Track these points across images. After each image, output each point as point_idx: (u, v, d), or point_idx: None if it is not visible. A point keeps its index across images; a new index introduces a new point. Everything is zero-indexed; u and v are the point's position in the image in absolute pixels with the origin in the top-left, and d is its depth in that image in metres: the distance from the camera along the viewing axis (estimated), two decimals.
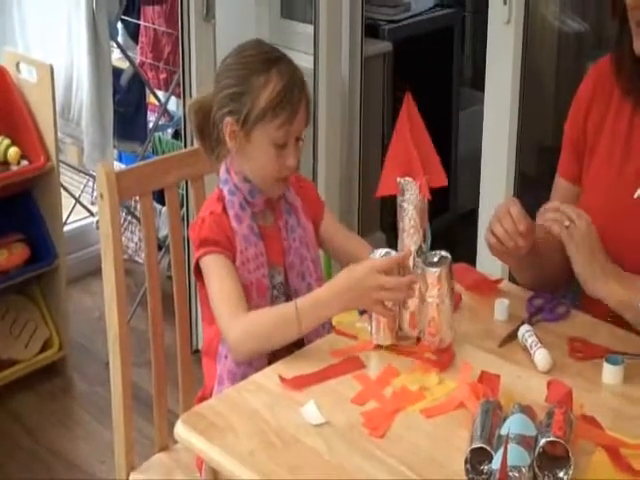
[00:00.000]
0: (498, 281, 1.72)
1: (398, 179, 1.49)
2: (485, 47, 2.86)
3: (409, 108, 1.49)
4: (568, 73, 3.54)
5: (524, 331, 1.53)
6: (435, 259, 1.49)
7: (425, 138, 1.51)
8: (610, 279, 1.49)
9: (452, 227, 3.64)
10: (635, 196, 1.61)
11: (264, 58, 1.62)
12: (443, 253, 1.50)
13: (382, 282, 1.48)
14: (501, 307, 1.61)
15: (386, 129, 3.53)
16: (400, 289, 1.49)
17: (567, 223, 1.49)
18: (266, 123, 1.59)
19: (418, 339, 1.53)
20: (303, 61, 3.19)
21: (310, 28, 3.15)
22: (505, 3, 2.75)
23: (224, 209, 1.64)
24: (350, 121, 3.25)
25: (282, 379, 1.45)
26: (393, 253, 1.51)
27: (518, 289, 1.73)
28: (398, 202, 1.50)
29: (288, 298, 1.66)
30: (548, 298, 1.65)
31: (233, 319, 1.55)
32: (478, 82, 3.21)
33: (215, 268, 1.60)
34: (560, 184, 1.78)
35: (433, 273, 1.47)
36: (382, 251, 1.51)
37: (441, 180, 1.51)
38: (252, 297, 1.62)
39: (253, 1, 3.33)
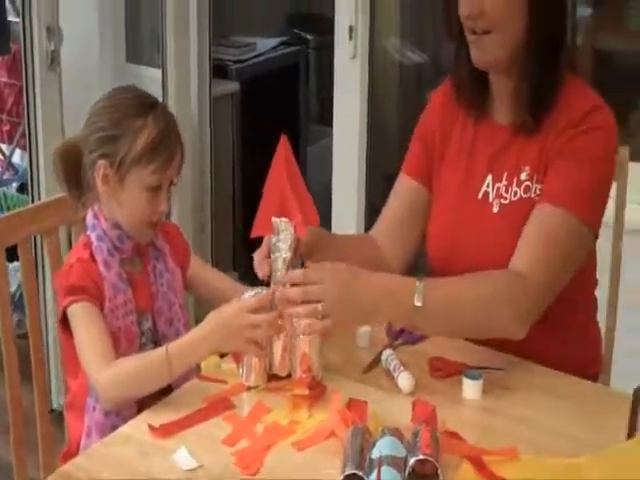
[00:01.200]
0: None
1: (273, 219, 1.51)
2: (330, 83, 2.95)
3: (284, 149, 1.52)
4: (410, 102, 3.67)
5: (386, 356, 1.58)
6: None
7: (298, 178, 1.54)
8: (380, 308, 1.48)
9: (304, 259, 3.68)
10: (479, 197, 1.69)
11: (140, 103, 1.62)
12: None
13: (253, 320, 1.48)
14: (363, 334, 1.65)
15: (236, 168, 3.57)
16: (271, 325, 1.49)
17: (320, 310, 1.45)
18: (141, 168, 1.59)
19: (288, 377, 1.54)
20: None
21: (157, 72, 3.17)
22: (351, 38, 2.85)
23: (91, 255, 1.62)
24: (201, 161, 3.28)
25: (151, 428, 1.44)
26: (264, 292, 1.51)
27: None
28: (272, 242, 1.51)
29: (156, 344, 1.65)
30: None
31: (102, 366, 1.53)
32: (325, 117, 3.29)
33: (82, 316, 1.57)
34: (405, 182, 1.81)
35: None
36: (252, 292, 1.52)
37: (314, 220, 1.54)
38: (121, 344, 1.60)
39: (97, 48, 3.32)
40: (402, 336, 1.67)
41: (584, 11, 3.34)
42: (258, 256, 1.55)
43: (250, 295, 1.51)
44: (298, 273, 1.47)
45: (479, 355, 1.61)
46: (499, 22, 1.59)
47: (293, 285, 1.46)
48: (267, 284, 1.53)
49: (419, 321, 1.49)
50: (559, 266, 1.57)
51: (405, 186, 1.81)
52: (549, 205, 1.58)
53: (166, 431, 1.43)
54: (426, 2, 3.83)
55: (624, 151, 1.92)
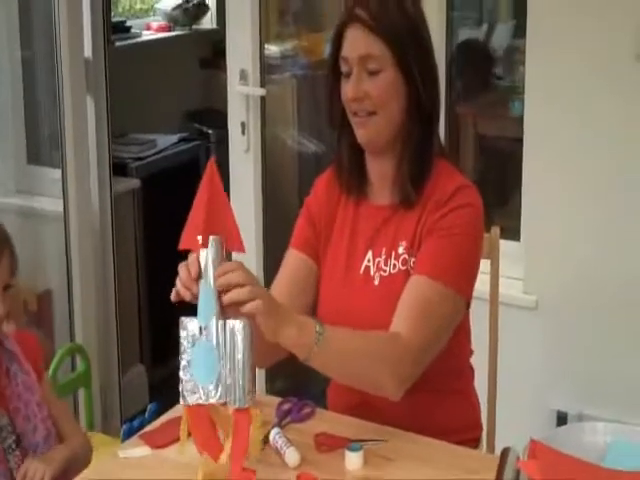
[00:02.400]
0: None
1: (199, 236, 1.48)
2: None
3: (212, 174, 1.50)
4: (308, 190, 3.80)
5: (274, 434, 1.65)
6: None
7: (225, 204, 1.52)
8: (290, 322, 1.54)
9: None
10: (361, 272, 1.81)
11: None
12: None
13: None
14: (253, 415, 1.73)
15: (140, 263, 3.63)
16: None
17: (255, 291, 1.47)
18: None
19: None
20: (54, 205, 3.27)
21: (58, 172, 3.23)
22: (243, 133, 2.97)
23: None
24: (104, 259, 3.32)
25: None
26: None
27: (269, 398, 1.87)
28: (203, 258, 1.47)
29: (17, 438, 1.73)
30: (295, 402, 1.79)
31: None
32: None
33: None
34: (293, 255, 1.88)
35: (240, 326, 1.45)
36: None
37: (239, 247, 1.52)
38: None
39: None
40: (290, 415, 1.76)
41: (469, 96, 3.55)
42: (184, 278, 1.49)
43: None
44: (234, 262, 1.48)
45: (363, 429, 1.70)
46: (382, 103, 1.73)
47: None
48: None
49: (315, 354, 1.55)
50: (434, 331, 1.70)
51: (293, 259, 1.89)
52: (423, 277, 1.71)
53: None
54: (321, 94, 4.01)
55: (495, 230, 2.07)
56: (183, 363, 1.46)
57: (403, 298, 1.71)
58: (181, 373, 1.46)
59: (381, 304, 1.76)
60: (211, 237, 1.48)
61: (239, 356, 1.44)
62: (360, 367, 1.63)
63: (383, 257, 1.80)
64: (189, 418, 1.47)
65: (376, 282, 1.79)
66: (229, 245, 1.50)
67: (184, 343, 1.46)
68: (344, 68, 1.76)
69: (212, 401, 1.45)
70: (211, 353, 1.44)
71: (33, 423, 1.75)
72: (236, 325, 1.45)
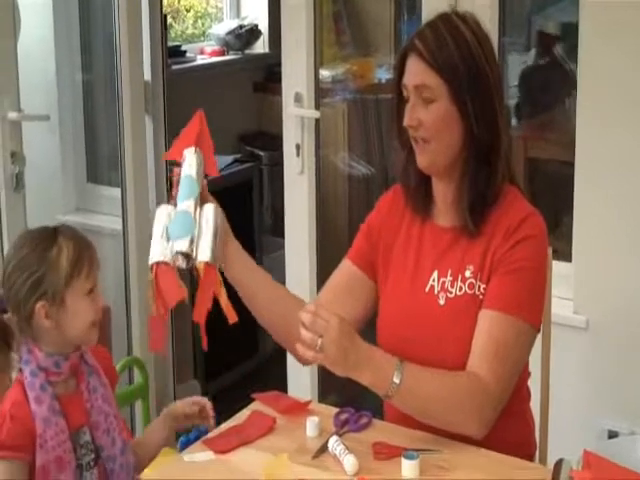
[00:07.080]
0: (308, 403, 1.90)
1: (184, 150, 1.74)
2: (282, 197, 3.12)
3: (201, 117, 1.78)
4: (359, 212, 3.87)
5: (333, 442, 1.70)
6: None
7: (208, 140, 1.77)
8: (363, 369, 1.65)
9: (261, 367, 3.77)
10: (426, 290, 1.84)
11: (45, 235, 1.74)
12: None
13: None
14: (312, 424, 1.78)
15: (195, 280, 3.69)
16: None
17: (319, 344, 1.61)
18: (74, 282, 1.70)
19: None
20: (112, 223, 3.36)
21: (117, 191, 3.31)
22: (298, 155, 3.03)
23: (24, 392, 1.69)
24: None
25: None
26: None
27: (326, 408, 1.92)
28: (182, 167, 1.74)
29: (97, 454, 1.75)
30: (352, 412, 1.84)
31: None
32: (278, 229, 3.45)
33: (5, 476, 1.64)
34: (347, 266, 1.95)
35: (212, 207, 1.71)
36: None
37: (214, 172, 1.76)
38: (51, 475, 1.67)
39: (60, 168, 3.49)
40: (348, 425, 1.80)
41: (518, 121, 3.58)
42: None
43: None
44: (312, 305, 1.67)
45: (419, 439, 1.74)
46: (435, 132, 1.77)
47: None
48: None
49: (393, 395, 1.66)
50: (512, 370, 1.76)
51: (346, 269, 1.95)
52: (496, 312, 1.75)
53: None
54: (371, 119, 4.08)
55: (548, 251, 2.11)
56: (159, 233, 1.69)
57: (478, 335, 1.75)
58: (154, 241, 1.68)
59: (446, 324, 1.80)
60: (198, 148, 1.74)
61: (208, 223, 1.68)
62: (441, 411, 1.70)
63: (449, 278, 1.82)
64: (157, 275, 1.64)
65: (441, 302, 1.82)
66: (207, 169, 1.75)
67: (163, 219, 1.71)
68: (405, 93, 1.80)
69: (181, 248, 1.64)
70: (188, 218, 1.68)
71: (112, 436, 1.77)
72: (207, 206, 1.71)
